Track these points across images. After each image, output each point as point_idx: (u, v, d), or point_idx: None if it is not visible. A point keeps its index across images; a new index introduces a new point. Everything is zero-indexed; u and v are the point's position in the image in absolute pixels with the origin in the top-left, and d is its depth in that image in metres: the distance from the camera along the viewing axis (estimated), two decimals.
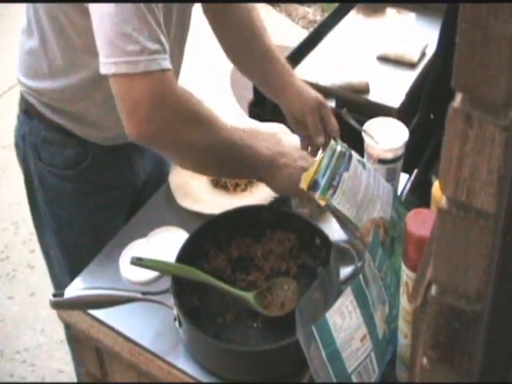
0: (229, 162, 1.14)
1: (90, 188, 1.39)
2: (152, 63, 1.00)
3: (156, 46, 1.01)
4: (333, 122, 1.32)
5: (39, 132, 1.34)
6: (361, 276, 0.96)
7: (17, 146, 1.41)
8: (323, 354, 0.90)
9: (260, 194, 1.34)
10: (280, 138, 1.29)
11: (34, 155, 1.36)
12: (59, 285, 1.50)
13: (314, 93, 1.33)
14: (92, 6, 1.02)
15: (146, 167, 1.48)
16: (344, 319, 0.92)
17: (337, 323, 0.91)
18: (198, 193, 1.35)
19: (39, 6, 1.19)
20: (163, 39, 1.03)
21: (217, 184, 1.38)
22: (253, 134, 1.20)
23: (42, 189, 1.40)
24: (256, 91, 1.74)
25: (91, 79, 1.20)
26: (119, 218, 1.44)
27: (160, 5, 1.04)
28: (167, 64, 1.03)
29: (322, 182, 1.10)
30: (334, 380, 0.92)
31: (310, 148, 1.34)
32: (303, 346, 0.89)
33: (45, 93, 1.29)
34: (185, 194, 1.34)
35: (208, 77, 3.20)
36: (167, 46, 1.05)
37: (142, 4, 0.99)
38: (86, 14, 1.03)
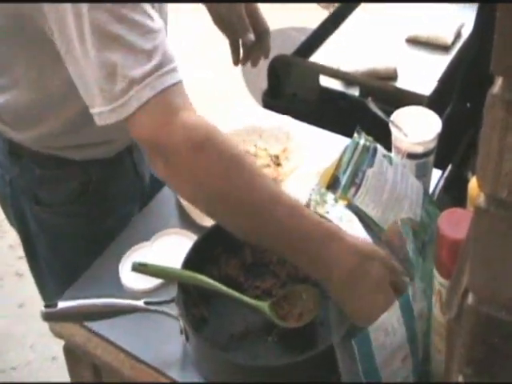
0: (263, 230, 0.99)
1: (99, 212, 1.38)
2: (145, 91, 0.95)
3: (152, 63, 0.96)
4: (262, 19, 1.36)
5: (32, 171, 1.30)
6: (410, 289, 0.95)
7: (3, 197, 1.37)
8: (360, 370, 0.90)
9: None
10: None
11: (29, 200, 1.33)
12: (49, 296, 1.48)
13: None
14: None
15: (148, 165, 1.48)
16: (387, 336, 0.92)
17: (379, 339, 0.91)
18: None
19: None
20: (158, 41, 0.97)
21: None
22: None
23: (42, 235, 1.38)
24: (271, 79, 1.74)
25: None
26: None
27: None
28: (170, 79, 0.97)
29: (343, 180, 1.10)
30: None
31: (242, 52, 1.37)
32: (339, 358, 0.89)
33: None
34: (203, 214, 1.32)
35: (217, 64, 3.20)
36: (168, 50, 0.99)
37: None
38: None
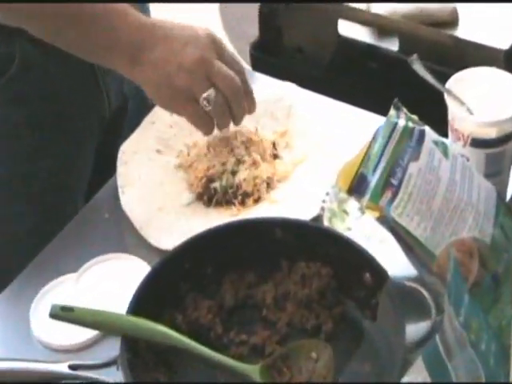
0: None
1: (24, 114, 1.46)
2: None
3: None
4: None
5: None
6: (438, 339, 0.97)
7: None
8: None
9: (287, 205, 1.37)
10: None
11: None
12: None
13: None
14: None
15: (122, 86, 1.54)
16: None
17: None
18: (183, 223, 1.35)
19: None
20: None
21: (209, 200, 1.39)
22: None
23: None
24: (264, 26, 1.75)
25: None
26: (78, 177, 1.49)
27: None
28: None
29: (374, 180, 1.11)
30: None
31: None
32: None
33: None
34: (161, 230, 1.34)
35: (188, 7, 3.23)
36: None
37: None
38: None
